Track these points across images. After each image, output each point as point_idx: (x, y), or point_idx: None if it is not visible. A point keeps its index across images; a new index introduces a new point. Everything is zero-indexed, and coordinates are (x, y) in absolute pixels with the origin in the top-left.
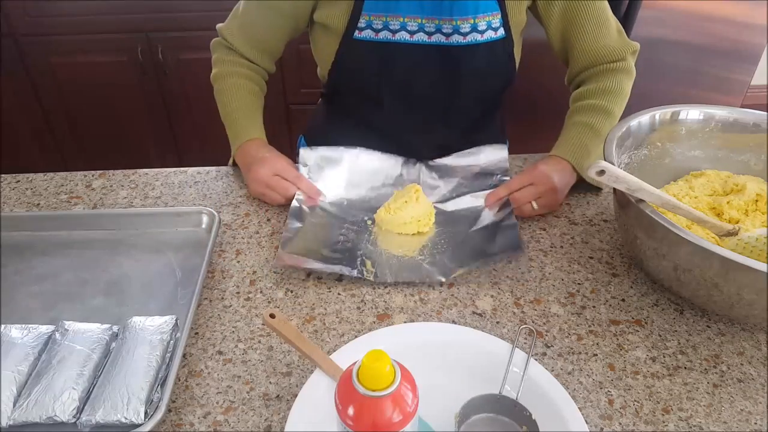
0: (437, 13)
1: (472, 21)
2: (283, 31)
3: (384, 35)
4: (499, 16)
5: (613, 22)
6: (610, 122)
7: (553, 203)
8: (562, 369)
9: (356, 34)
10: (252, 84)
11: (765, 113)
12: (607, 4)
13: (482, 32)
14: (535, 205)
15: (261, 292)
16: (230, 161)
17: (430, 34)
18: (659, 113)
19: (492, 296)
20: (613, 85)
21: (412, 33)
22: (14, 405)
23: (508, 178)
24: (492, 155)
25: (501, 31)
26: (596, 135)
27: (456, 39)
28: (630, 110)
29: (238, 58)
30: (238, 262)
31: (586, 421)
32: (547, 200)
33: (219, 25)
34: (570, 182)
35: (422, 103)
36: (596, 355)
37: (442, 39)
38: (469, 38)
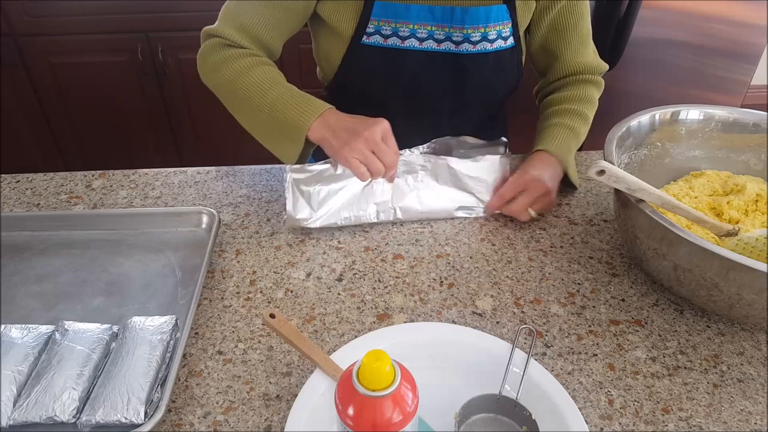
0: (448, 21)
1: (482, 30)
2: (283, 28)
3: (393, 41)
4: (510, 25)
5: (591, 43)
6: (585, 126)
7: (548, 205)
8: (562, 369)
9: (364, 39)
10: (278, 71)
11: (765, 113)
12: (590, 26)
13: (492, 41)
14: (532, 212)
15: (261, 292)
16: (291, 154)
17: (439, 41)
18: (659, 113)
19: (492, 296)
20: (586, 94)
21: (421, 40)
22: (14, 405)
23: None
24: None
25: (510, 41)
26: (575, 136)
27: (465, 47)
28: (630, 110)
29: (246, 50)
30: (238, 262)
31: (586, 421)
32: (542, 204)
33: (208, 27)
34: (559, 177)
35: (428, 108)
36: (596, 355)
37: (452, 47)
38: (479, 47)
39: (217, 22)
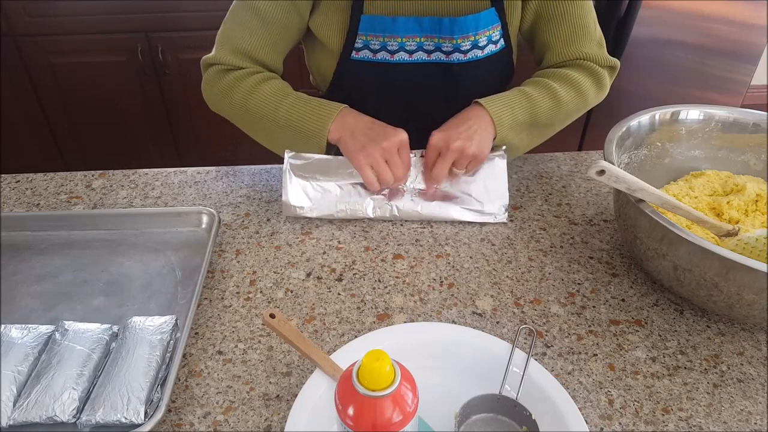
0: (436, 32)
1: (472, 38)
2: (280, 46)
3: (382, 56)
4: (499, 27)
5: (595, 34)
6: (553, 106)
7: (465, 159)
8: (562, 369)
9: (353, 54)
10: (284, 82)
11: (765, 113)
12: (592, 15)
13: (483, 48)
14: (456, 171)
15: (261, 292)
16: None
17: (429, 52)
18: (659, 113)
19: (492, 296)
20: (576, 78)
21: (410, 53)
22: (14, 405)
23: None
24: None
25: (501, 43)
26: (530, 104)
27: (456, 57)
28: (630, 110)
29: (248, 69)
30: (238, 262)
31: (586, 421)
32: (462, 162)
33: (207, 57)
34: (483, 129)
35: (423, 117)
36: (596, 355)
37: (442, 57)
38: (470, 55)
39: (213, 50)
